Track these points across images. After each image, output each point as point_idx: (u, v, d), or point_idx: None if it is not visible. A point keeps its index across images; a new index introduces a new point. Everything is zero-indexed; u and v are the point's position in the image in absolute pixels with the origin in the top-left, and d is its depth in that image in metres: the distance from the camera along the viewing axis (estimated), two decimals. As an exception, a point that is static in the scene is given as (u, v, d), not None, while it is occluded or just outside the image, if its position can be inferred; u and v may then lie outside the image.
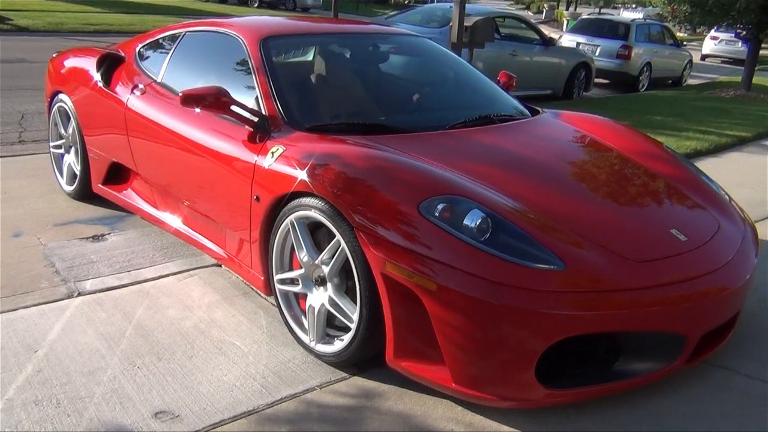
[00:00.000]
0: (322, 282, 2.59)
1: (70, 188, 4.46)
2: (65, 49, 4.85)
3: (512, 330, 2.11)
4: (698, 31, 24.11)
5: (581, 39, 13.20)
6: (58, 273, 3.34)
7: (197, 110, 2.95)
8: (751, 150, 7.38)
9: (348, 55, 3.64)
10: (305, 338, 2.69)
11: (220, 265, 3.50)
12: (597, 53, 12.80)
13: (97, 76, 4.02)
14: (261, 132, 2.89)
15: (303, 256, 2.62)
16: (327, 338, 2.62)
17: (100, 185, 4.15)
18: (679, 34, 22.37)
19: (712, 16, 11.51)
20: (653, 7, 58.41)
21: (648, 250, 2.41)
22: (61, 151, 4.56)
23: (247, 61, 3.22)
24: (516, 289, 2.10)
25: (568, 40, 13.56)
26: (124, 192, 3.97)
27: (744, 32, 12.00)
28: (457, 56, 3.99)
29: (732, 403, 2.46)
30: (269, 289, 2.92)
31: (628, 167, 3.07)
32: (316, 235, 2.62)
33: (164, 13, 19.86)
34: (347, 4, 24.59)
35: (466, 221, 2.24)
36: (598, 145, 3.26)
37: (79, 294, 3.13)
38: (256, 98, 3.02)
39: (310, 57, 3.48)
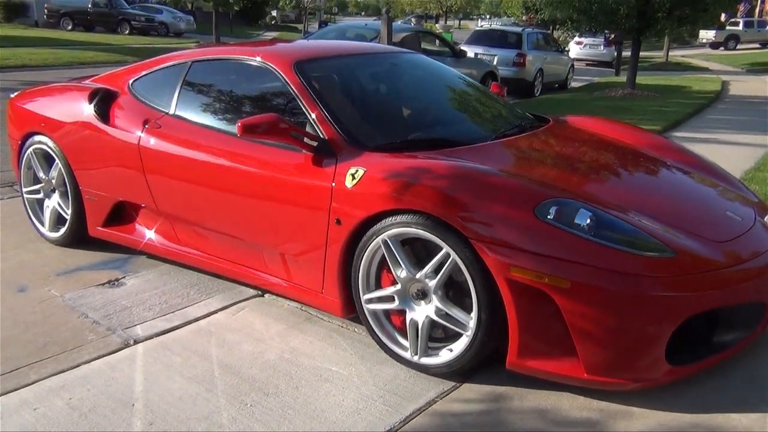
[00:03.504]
0: (422, 295, 2.64)
1: (55, 235, 4.17)
2: (29, 89, 4.53)
3: (645, 316, 2.28)
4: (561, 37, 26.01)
5: (479, 50, 13.85)
6: (98, 323, 3.14)
7: (253, 139, 2.91)
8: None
9: (378, 74, 3.70)
10: (405, 354, 2.71)
11: (263, 295, 3.43)
12: (495, 62, 13.48)
13: (90, 113, 3.81)
14: (325, 155, 2.89)
15: (401, 272, 2.65)
16: (429, 351, 2.67)
17: (99, 227, 3.92)
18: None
19: (597, 22, 12.50)
20: (508, 17, 62.13)
21: (723, 232, 2.67)
22: (40, 196, 4.25)
23: (284, 88, 3.20)
24: (644, 278, 2.28)
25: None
26: (135, 231, 3.78)
27: (614, 37, 13.09)
28: (454, 69, 4.15)
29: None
30: (346, 311, 2.92)
31: (660, 161, 3.36)
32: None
33: (34, 45, 18.80)
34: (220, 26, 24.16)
35: (577, 220, 2.39)
36: (623, 143, 3.53)
37: (136, 342, 2.97)
38: (309, 123, 3.02)
39: (344, 78, 3.50)
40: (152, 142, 3.49)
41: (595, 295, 2.26)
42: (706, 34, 36.63)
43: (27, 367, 2.75)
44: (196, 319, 3.19)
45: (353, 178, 2.73)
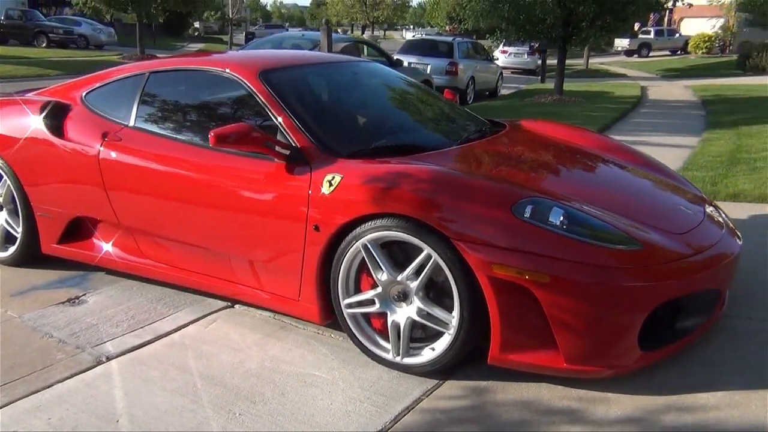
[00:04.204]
0: (403, 297, 2.70)
1: (3, 254, 4.00)
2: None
3: (619, 305, 2.42)
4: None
5: (412, 59, 14.08)
6: (64, 342, 3.05)
7: (223, 149, 2.92)
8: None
9: (341, 83, 3.75)
10: (386, 355, 2.76)
11: (233, 306, 3.41)
12: (428, 71, 13.74)
13: (42, 127, 3.69)
14: (297, 163, 2.92)
15: (381, 275, 2.70)
16: (411, 351, 2.73)
17: (54, 245, 3.80)
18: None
19: (525, 32, 12.95)
20: (431, 27, 63.39)
21: (679, 225, 2.86)
22: (-16, 214, 4.08)
23: (249, 97, 3.21)
24: (616, 270, 2.42)
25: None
26: (94, 247, 3.68)
27: (538, 45, 13.60)
28: (409, 77, 4.25)
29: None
30: (324, 318, 2.95)
31: (612, 161, 3.54)
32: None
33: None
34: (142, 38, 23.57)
35: (551, 218, 2.51)
36: (577, 145, 3.71)
37: (108, 358, 2.90)
38: (279, 132, 3.04)
39: (309, 87, 3.52)
40: (113, 155, 3.42)
41: (572, 288, 2.38)
42: (621, 43, 38.43)
43: (-4, 390, 2.65)
44: (168, 333, 3.14)
45: (330, 184, 2.77)
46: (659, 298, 2.49)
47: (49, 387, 2.67)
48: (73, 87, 3.93)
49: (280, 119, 3.06)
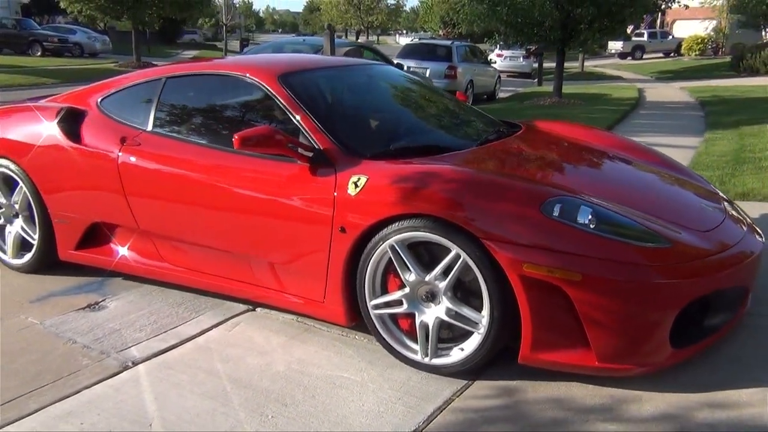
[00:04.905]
0: (431, 297, 2.71)
1: (19, 261, 3.99)
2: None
3: (652, 303, 2.43)
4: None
5: (411, 63, 14.11)
6: (89, 348, 3.04)
7: (245, 152, 2.93)
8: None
9: (358, 85, 3.76)
10: (414, 356, 2.77)
11: (254, 309, 3.41)
12: (427, 75, 13.78)
13: (59, 133, 3.69)
14: (321, 165, 2.92)
15: (409, 276, 2.71)
16: (440, 351, 2.73)
17: (72, 251, 3.79)
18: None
19: (524, 35, 13.00)
20: (425, 32, 63.56)
21: (703, 222, 2.87)
22: (0, 222, 4.07)
23: (269, 100, 3.21)
24: (649, 267, 2.43)
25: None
26: (112, 252, 3.68)
27: (534, 48, 13.65)
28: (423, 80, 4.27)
29: None
30: (350, 320, 2.95)
31: (631, 160, 3.55)
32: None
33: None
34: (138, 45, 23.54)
35: (579, 217, 2.52)
36: (594, 144, 3.72)
37: (134, 363, 2.90)
38: (301, 134, 3.04)
39: (329, 89, 3.53)
40: (132, 159, 3.42)
41: (605, 286, 2.39)
42: (615, 45, 38.60)
43: (24, 397, 2.63)
44: (192, 337, 3.14)
45: (356, 186, 2.77)
46: (690, 295, 2.50)
47: (77, 393, 2.66)
48: (87, 93, 3.93)
49: (301, 122, 3.06)
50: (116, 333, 3.18)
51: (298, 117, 3.08)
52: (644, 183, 3.28)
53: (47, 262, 3.92)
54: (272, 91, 3.21)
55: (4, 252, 4.06)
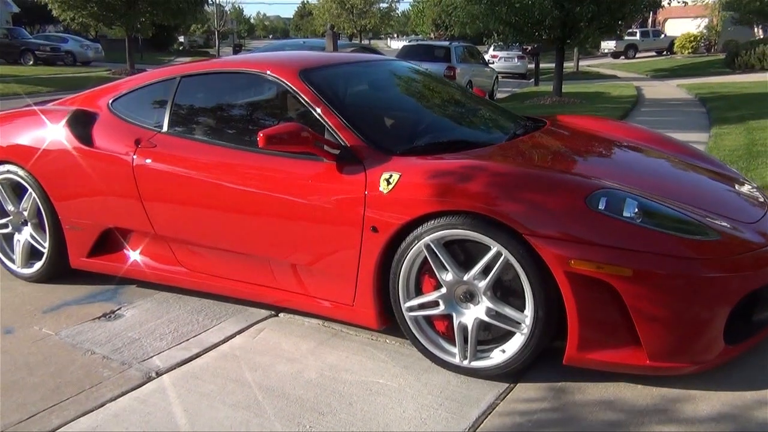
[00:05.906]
0: (469, 297, 2.59)
1: (29, 271, 3.85)
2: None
3: (705, 298, 2.32)
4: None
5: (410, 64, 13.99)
6: (108, 358, 2.91)
7: (269, 151, 2.82)
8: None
9: (380, 80, 3.65)
10: (453, 359, 2.65)
11: (277, 314, 3.29)
12: (427, 76, 13.67)
13: (68, 137, 3.56)
14: (348, 163, 2.81)
15: (446, 276, 2.59)
16: (479, 354, 2.62)
17: (84, 258, 3.66)
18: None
19: (523, 34, 12.92)
20: (416, 35, 63.59)
21: (748, 214, 2.77)
22: (8, 230, 3.93)
23: (291, 97, 3.10)
24: (701, 261, 2.32)
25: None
26: (126, 258, 3.55)
27: (531, 49, 13.58)
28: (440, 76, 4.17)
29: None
30: (381, 323, 2.84)
31: (665, 153, 3.45)
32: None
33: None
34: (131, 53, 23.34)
35: (626, 210, 2.41)
36: (624, 138, 3.62)
37: (158, 374, 2.77)
38: (326, 131, 2.93)
39: (351, 85, 3.42)
40: (148, 161, 3.30)
41: (657, 281, 2.28)
42: (607, 45, 38.64)
43: (46, 412, 2.50)
44: (216, 345, 3.01)
45: (388, 183, 2.66)
46: (744, 289, 2.40)
47: (101, 406, 2.53)
48: (97, 95, 3.80)
49: (326, 118, 2.94)
50: (136, 342, 3.06)
51: (322, 113, 2.96)
52: (682, 175, 3.17)
53: (58, 271, 3.79)
54: (294, 87, 3.09)
55: (13, 261, 3.93)
